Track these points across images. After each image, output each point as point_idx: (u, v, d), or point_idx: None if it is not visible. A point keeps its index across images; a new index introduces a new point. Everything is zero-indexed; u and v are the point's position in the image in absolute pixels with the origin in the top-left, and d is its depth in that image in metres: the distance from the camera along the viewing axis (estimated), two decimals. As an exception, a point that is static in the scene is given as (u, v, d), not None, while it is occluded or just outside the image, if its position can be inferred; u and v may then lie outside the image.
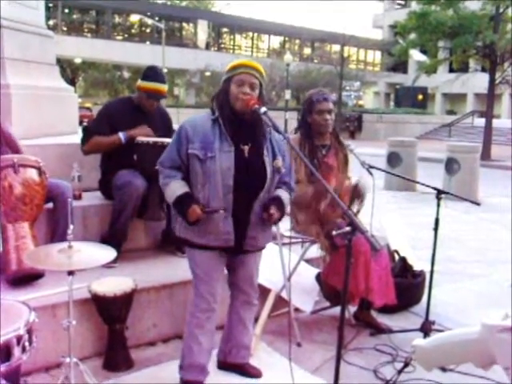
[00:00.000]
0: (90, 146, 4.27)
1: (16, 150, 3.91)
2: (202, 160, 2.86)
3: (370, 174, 3.70)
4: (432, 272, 3.89)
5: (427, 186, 4.02)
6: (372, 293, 3.75)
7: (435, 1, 19.87)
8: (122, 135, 4.19)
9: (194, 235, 2.95)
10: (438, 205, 3.79)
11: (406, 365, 3.32)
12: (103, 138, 4.21)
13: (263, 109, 2.83)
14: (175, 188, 2.91)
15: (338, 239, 3.55)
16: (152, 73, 4.30)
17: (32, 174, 3.68)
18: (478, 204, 4.07)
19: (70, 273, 2.67)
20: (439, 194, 3.81)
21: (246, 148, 2.93)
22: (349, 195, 3.81)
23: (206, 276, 3.01)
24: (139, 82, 4.29)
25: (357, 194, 3.84)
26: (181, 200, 2.88)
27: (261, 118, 2.88)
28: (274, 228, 3.16)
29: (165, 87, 4.32)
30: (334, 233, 2.59)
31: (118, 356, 3.45)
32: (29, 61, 5.40)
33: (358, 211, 3.86)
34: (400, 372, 3.31)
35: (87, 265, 2.68)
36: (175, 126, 4.65)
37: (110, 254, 2.77)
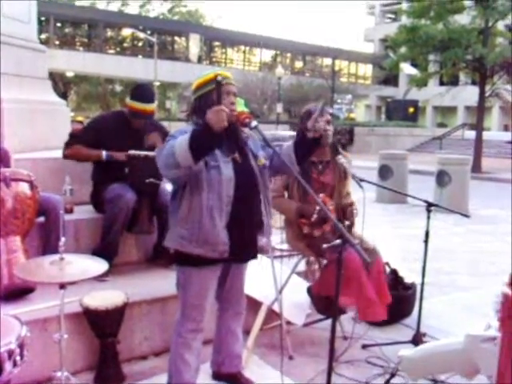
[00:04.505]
0: (70, 152, 4.32)
1: (8, 164, 3.92)
2: (207, 168, 2.80)
3: (360, 186, 3.73)
4: (423, 284, 3.91)
5: (417, 198, 4.04)
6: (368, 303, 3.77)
7: (425, 15, 20.07)
8: (104, 153, 4.22)
9: (190, 244, 2.84)
10: (428, 217, 3.83)
11: (393, 375, 3.35)
12: (85, 149, 4.26)
13: (254, 123, 2.83)
14: (182, 137, 2.66)
15: (329, 253, 3.57)
16: (139, 92, 4.30)
17: (24, 188, 3.68)
18: (467, 216, 4.11)
19: (62, 286, 2.67)
20: (429, 206, 3.84)
21: (237, 156, 2.93)
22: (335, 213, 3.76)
23: (197, 299, 2.97)
24: (127, 100, 4.32)
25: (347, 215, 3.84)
26: (195, 128, 2.68)
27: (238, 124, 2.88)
28: (264, 241, 3.16)
29: (152, 107, 4.31)
30: (324, 246, 2.61)
31: (110, 370, 3.43)
32: (21, 75, 5.42)
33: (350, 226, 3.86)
34: (387, 383, 3.33)
35: (79, 277, 2.69)
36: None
37: (101, 266, 2.78)
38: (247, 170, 2.92)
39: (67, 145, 4.34)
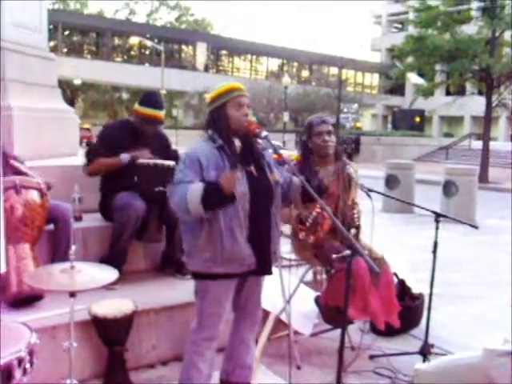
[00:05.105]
0: (94, 168, 4.30)
1: (19, 172, 3.93)
2: None
3: (369, 196, 3.73)
4: (431, 295, 3.89)
5: (425, 209, 4.03)
6: (374, 315, 3.75)
7: (432, 25, 20.10)
8: (122, 157, 4.19)
9: (216, 265, 2.85)
10: (437, 228, 3.81)
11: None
12: (106, 160, 4.23)
13: (264, 133, 2.84)
14: (196, 186, 2.74)
15: (337, 263, 3.57)
16: (149, 99, 4.32)
17: (33, 195, 3.70)
18: (475, 227, 4.08)
19: (72, 294, 2.67)
20: (437, 217, 3.82)
21: (252, 169, 2.93)
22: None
23: (215, 309, 2.97)
24: (136, 106, 4.33)
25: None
26: (209, 186, 2.73)
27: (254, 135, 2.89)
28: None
29: (161, 114, 4.33)
30: (333, 256, 2.61)
31: (118, 378, 3.43)
32: (30, 83, 5.45)
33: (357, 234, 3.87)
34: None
35: (89, 285, 2.69)
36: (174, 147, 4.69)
37: (111, 274, 2.78)
38: (262, 182, 2.93)
39: (89, 161, 4.32)
